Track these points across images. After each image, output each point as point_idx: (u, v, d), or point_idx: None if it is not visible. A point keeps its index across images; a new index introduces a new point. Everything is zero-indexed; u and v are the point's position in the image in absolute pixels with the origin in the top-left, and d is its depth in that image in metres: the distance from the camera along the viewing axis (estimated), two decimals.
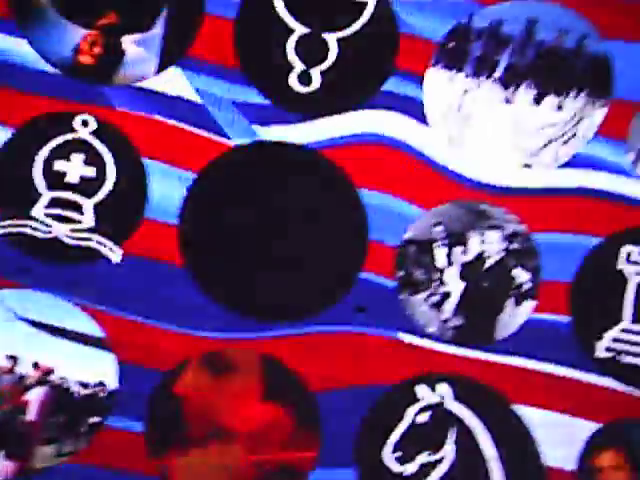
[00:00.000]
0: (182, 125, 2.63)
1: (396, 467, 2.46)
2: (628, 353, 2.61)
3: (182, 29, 2.66)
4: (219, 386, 2.47)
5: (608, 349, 2.61)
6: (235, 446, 2.42)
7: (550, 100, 2.64)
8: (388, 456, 2.46)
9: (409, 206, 2.58)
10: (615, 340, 2.63)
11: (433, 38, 2.69)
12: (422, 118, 2.64)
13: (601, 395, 2.59)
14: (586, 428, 2.54)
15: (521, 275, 2.59)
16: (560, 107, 2.64)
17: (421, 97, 2.65)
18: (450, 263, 2.57)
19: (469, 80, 2.64)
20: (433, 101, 2.65)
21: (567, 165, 2.63)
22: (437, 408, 2.51)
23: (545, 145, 2.64)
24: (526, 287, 2.58)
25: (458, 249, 2.58)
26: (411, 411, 2.50)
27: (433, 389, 2.52)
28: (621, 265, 2.64)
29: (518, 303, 2.57)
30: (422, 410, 2.51)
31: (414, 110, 2.64)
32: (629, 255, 2.65)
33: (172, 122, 2.63)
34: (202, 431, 2.42)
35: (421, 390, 2.51)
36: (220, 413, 2.45)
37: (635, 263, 2.65)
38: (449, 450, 2.49)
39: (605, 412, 2.57)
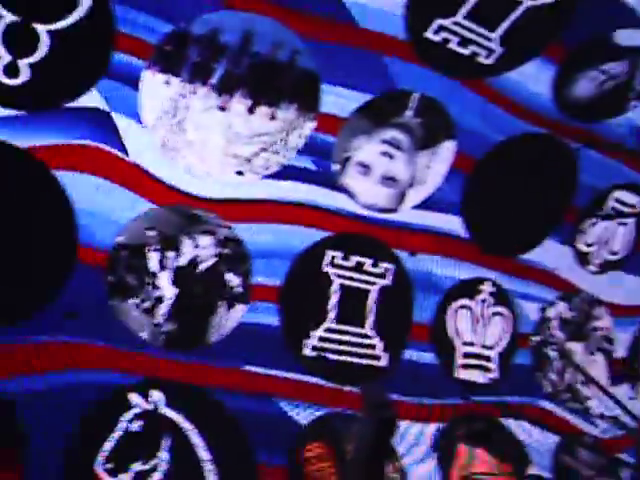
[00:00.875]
0: None
1: (109, 479, 2.39)
2: (332, 351, 2.80)
3: None
4: None
5: (314, 348, 2.78)
6: None
7: (263, 110, 2.74)
8: (100, 468, 2.38)
9: (122, 210, 2.52)
10: (321, 339, 2.80)
11: (152, 40, 2.64)
12: (137, 121, 2.59)
13: (309, 391, 2.74)
14: (294, 423, 2.68)
15: (233, 279, 2.65)
16: (272, 117, 2.75)
17: (136, 99, 2.59)
18: (163, 268, 2.56)
19: (185, 85, 2.64)
20: (148, 104, 2.60)
21: (278, 174, 2.75)
22: (151, 415, 2.48)
23: (257, 153, 2.73)
24: (237, 291, 2.65)
25: (171, 254, 2.57)
26: (124, 420, 2.44)
27: (147, 396, 2.48)
28: (326, 268, 2.83)
29: (230, 307, 2.63)
30: (135, 418, 2.46)
31: (129, 112, 2.57)
32: (333, 259, 2.84)
33: None
34: None
35: (134, 397, 2.47)
36: None
37: (338, 266, 2.85)
38: (163, 457, 2.48)
39: (313, 407, 2.72)
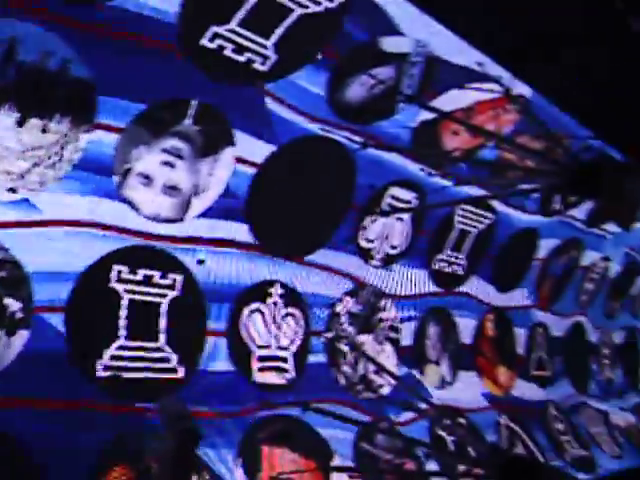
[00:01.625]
0: None
1: None
2: (127, 369, 2.71)
3: None
4: None
5: (107, 367, 2.68)
6: None
7: (34, 123, 2.58)
8: None
9: None
10: (113, 358, 2.70)
11: None
12: None
13: (105, 413, 2.64)
14: (92, 451, 2.57)
15: (12, 304, 2.48)
16: (45, 130, 2.60)
17: None
18: None
19: None
20: None
21: (55, 188, 2.61)
22: None
23: (31, 168, 2.57)
24: (18, 316, 2.49)
25: None
26: None
27: None
28: (113, 284, 2.74)
29: (11, 334, 2.47)
30: None
31: None
32: (120, 274, 2.76)
33: None
34: None
35: None
36: None
37: (126, 281, 2.77)
38: None
39: (109, 430, 2.63)
